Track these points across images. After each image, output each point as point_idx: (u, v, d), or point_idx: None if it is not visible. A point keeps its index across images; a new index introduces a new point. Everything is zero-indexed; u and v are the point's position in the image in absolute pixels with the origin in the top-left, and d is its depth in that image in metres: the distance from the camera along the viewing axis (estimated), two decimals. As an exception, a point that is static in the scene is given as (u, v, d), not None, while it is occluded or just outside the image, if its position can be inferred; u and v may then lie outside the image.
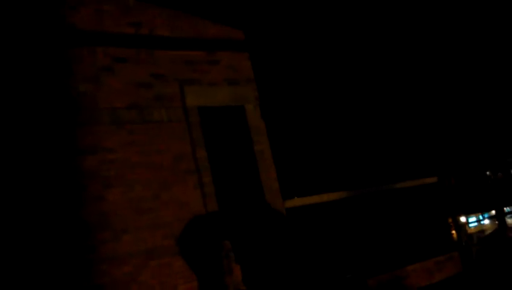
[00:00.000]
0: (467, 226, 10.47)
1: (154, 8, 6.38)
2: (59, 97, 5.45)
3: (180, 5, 6.49)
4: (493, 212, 10.76)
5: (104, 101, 5.73)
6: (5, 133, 5.05)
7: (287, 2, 7.06)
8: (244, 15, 6.93)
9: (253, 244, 6.39)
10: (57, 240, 5.07)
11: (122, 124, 5.79)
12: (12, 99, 5.17)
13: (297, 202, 7.26)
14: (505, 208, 10.56)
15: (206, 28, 6.80)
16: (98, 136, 5.58)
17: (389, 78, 8.88)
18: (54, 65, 5.50)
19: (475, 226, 10.67)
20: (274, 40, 7.44)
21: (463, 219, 10.30)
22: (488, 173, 10.81)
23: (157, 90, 6.18)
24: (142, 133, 5.91)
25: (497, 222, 10.72)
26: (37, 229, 5.00)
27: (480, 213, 10.59)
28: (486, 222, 10.95)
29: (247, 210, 6.55)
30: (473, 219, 10.58)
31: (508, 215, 10.72)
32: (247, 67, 7.05)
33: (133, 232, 5.54)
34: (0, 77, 5.15)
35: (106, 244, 5.33)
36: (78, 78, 5.63)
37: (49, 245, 5.02)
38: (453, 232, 9.57)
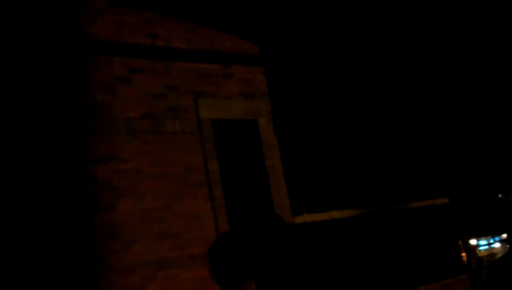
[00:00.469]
0: (477, 249, 10.36)
1: (171, 21, 6.44)
2: (76, 105, 5.49)
3: (196, 19, 6.55)
4: (504, 235, 10.64)
5: (119, 111, 5.76)
6: (22, 140, 5.09)
7: (303, 18, 7.11)
8: (260, 30, 6.98)
9: (261, 260, 6.34)
10: (68, 248, 5.07)
11: (137, 134, 5.82)
12: (30, 107, 5.22)
13: (307, 218, 7.22)
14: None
15: (221, 41, 6.84)
16: (113, 146, 5.60)
17: (403, 98, 8.88)
18: (71, 74, 5.56)
19: (485, 249, 10.55)
20: (289, 56, 7.48)
21: (473, 242, 10.20)
22: (500, 195, 10.72)
23: (171, 101, 6.21)
24: (155, 143, 5.93)
25: (508, 246, 10.59)
26: (47, 236, 5.01)
27: (491, 236, 10.48)
28: (497, 245, 10.83)
29: (258, 225, 6.52)
30: (483, 241, 10.47)
31: None
32: (261, 81, 7.07)
33: (142, 242, 5.53)
34: (18, 85, 5.21)
35: (116, 254, 5.33)
36: (95, 88, 5.67)
37: (60, 253, 5.02)
38: (463, 254, 9.47)
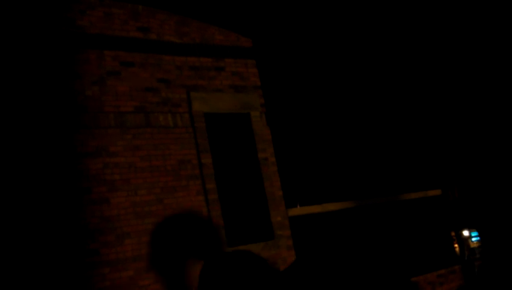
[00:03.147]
0: (469, 240, 10.44)
1: (163, 14, 6.40)
2: (65, 99, 5.46)
3: (188, 12, 6.52)
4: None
5: (110, 105, 5.74)
6: (10, 135, 5.06)
7: (296, 11, 7.08)
8: (253, 23, 6.96)
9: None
10: (60, 243, 5.06)
11: (128, 128, 5.79)
12: (19, 100, 5.19)
13: (300, 210, 7.23)
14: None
15: (214, 34, 6.82)
16: (103, 140, 5.58)
17: (395, 89, 8.89)
18: (61, 67, 5.52)
19: (477, 240, 10.64)
20: (282, 49, 7.46)
21: (466, 233, 10.27)
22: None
23: (163, 95, 6.19)
24: (147, 137, 5.91)
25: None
26: (39, 231, 4.99)
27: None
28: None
29: (250, 218, 6.53)
30: (475, 233, 10.55)
31: None
32: (254, 74, 7.06)
33: (135, 236, 5.53)
34: (8, 79, 5.17)
35: (109, 248, 5.32)
36: (85, 81, 5.64)
37: (52, 248, 5.01)
38: (456, 245, 9.53)
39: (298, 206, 7.35)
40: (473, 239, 10.45)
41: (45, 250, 4.97)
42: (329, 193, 7.76)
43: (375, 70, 8.53)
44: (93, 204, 5.36)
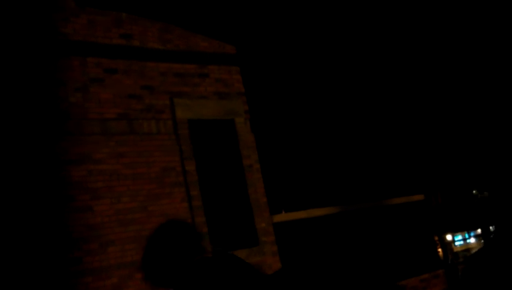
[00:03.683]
0: (452, 244, 10.54)
1: (146, 21, 6.41)
2: (48, 106, 5.43)
3: (171, 19, 6.53)
4: (479, 231, 10.86)
5: (94, 112, 5.72)
6: (-7, 142, 5.02)
7: (280, 18, 7.14)
8: (236, 30, 6.99)
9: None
10: (44, 251, 5.01)
11: (112, 135, 5.77)
12: (2, 107, 5.14)
13: (286, 216, 7.26)
14: (490, 227, 10.65)
15: (197, 41, 6.83)
16: (86, 147, 5.55)
17: (379, 96, 8.98)
18: (45, 74, 5.49)
19: (461, 245, 10.75)
20: (266, 55, 7.50)
21: (449, 237, 10.37)
22: (474, 191, 10.95)
23: (147, 102, 6.18)
24: (131, 144, 5.90)
25: (482, 241, 10.82)
26: (22, 241, 4.94)
27: (466, 232, 10.68)
28: (472, 240, 11.05)
29: (234, 224, 6.54)
30: (458, 237, 10.67)
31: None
32: (237, 81, 7.08)
33: (119, 244, 5.50)
34: (-11, 85, 5.13)
35: (92, 256, 5.28)
36: (69, 88, 5.62)
37: (36, 256, 4.96)
38: (439, 250, 9.61)
39: (283, 212, 7.38)
40: (456, 243, 10.56)
41: (28, 259, 4.92)
42: (315, 199, 7.79)
43: (358, 77, 8.61)
44: (77, 212, 5.33)
